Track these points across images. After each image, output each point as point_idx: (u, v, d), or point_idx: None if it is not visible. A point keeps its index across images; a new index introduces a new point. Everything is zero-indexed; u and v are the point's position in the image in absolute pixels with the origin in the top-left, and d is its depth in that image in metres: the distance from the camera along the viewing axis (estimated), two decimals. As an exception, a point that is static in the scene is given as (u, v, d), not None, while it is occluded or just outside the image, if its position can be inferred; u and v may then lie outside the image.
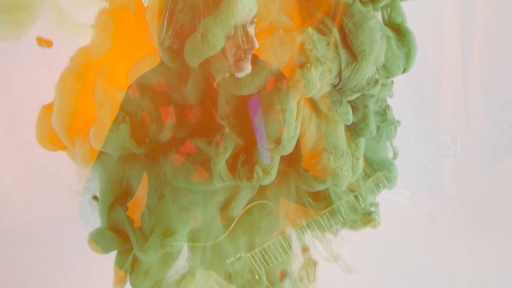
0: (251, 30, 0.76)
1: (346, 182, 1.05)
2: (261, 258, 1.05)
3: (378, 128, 1.17)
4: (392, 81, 1.15)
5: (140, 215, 1.02)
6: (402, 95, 1.21)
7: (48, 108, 1.06)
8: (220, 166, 0.94)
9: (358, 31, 0.95)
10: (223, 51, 0.78)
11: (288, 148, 0.96)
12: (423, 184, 1.34)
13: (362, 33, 0.94)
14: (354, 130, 1.11)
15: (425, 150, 1.29)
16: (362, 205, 1.14)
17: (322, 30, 0.94)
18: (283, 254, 1.07)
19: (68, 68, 1.01)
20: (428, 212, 1.58)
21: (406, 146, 1.31)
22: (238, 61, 0.79)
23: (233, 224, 1.04)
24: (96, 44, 1.00)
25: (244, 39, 0.76)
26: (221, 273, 1.06)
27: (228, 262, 1.05)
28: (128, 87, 0.95)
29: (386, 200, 1.26)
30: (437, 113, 1.56)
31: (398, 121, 1.21)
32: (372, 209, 1.17)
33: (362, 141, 1.14)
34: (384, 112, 1.16)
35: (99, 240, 1.04)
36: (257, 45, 0.78)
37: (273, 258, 1.06)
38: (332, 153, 1.00)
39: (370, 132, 1.12)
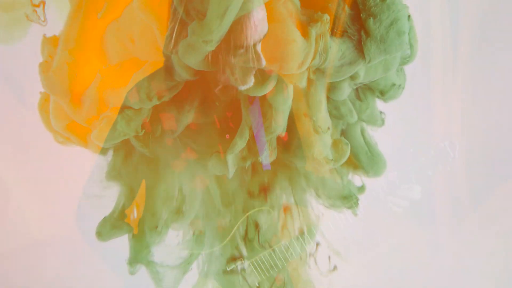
0: (259, 47, 0.75)
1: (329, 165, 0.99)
2: (262, 265, 1.06)
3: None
4: (400, 85, 1.03)
5: (138, 220, 1.02)
6: (403, 99, 1.19)
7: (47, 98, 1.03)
8: (235, 154, 0.91)
9: (365, 45, 0.84)
10: (230, 67, 0.77)
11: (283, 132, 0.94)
12: (424, 188, 1.35)
13: (369, 48, 0.85)
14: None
15: (425, 157, 1.29)
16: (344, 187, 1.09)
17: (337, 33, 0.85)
18: (283, 261, 1.08)
19: (54, 58, 0.91)
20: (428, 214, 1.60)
21: (407, 152, 1.32)
22: (244, 76, 0.79)
23: (233, 231, 1.05)
24: (78, 23, 0.90)
25: (254, 58, 0.75)
26: (220, 280, 1.07)
27: (228, 269, 1.06)
28: (129, 91, 0.90)
29: (396, 196, 1.24)
30: (436, 118, 1.56)
31: (382, 119, 1.10)
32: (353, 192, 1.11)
33: (339, 124, 1.05)
34: (364, 111, 1.05)
35: (107, 229, 1.03)
36: (264, 63, 0.77)
37: (273, 265, 1.07)
38: (320, 128, 0.93)
39: (346, 119, 1.02)
